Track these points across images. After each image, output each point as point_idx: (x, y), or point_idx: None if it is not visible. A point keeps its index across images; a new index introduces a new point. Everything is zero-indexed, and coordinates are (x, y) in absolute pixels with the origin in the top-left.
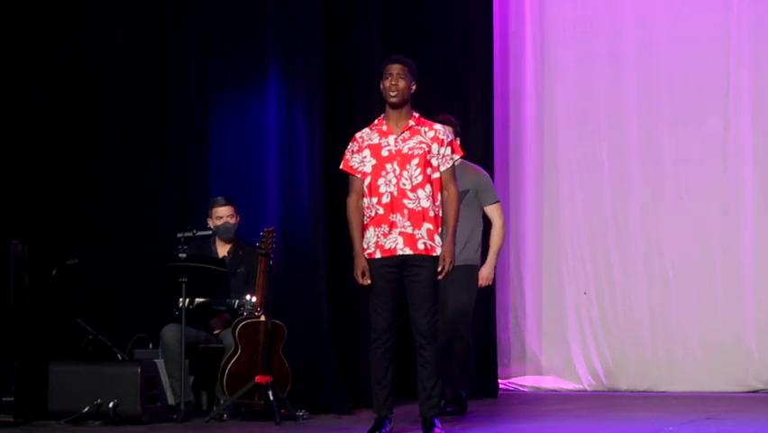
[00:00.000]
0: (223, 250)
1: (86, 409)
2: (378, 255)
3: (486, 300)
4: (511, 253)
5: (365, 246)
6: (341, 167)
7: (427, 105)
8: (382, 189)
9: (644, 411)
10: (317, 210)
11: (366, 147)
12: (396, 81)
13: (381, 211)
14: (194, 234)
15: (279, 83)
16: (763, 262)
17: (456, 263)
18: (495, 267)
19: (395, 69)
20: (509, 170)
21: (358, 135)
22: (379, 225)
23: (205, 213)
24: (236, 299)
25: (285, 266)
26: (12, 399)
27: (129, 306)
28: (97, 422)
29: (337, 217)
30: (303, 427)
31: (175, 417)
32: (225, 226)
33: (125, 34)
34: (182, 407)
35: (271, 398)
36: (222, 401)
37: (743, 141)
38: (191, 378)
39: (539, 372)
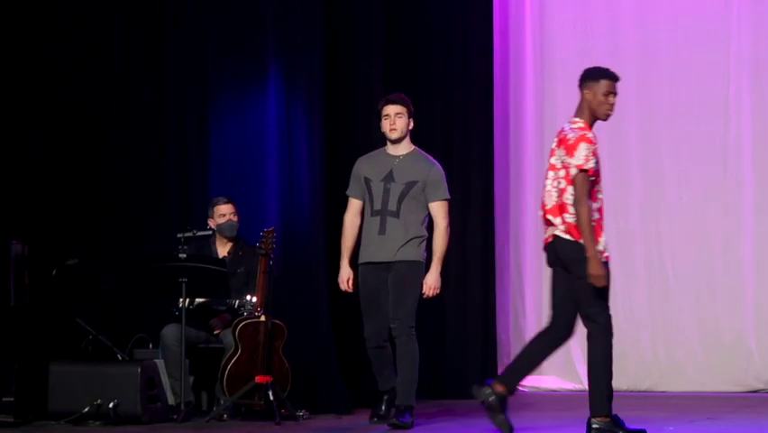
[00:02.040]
0: (223, 250)
1: (86, 410)
2: None
3: (486, 300)
4: (511, 253)
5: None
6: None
7: (428, 104)
8: None
9: (644, 411)
10: (317, 210)
11: None
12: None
13: None
14: (194, 234)
15: (279, 83)
16: (763, 262)
17: (398, 258)
18: (441, 274)
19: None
20: (509, 170)
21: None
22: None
23: (205, 213)
24: (236, 299)
25: (285, 266)
26: (12, 399)
27: (129, 306)
28: (97, 422)
29: (337, 217)
30: (303, 427)
31: (175, 417)
32: (230, 223)
33: (125, 34)
34: (182, 407)
35: (271, 398)
36: (222, 401)
37: (743, 141)
38: (191, 378)
39: (539, 371)
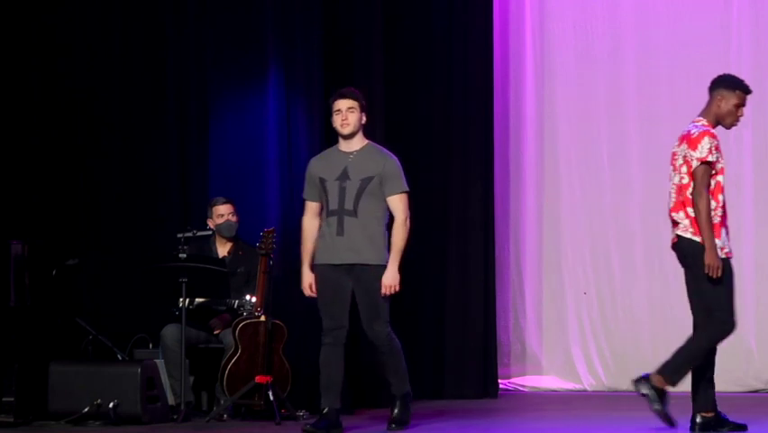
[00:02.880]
0: (223, 250)
1: (86, 410)
2: None
3: (486, 300)
4: (511, 253)
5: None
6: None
7: (427, 105)
8: None
9: (644, 411)
10: None
11: None
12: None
13: None
14: (194, 234)
15: (279, 83)
16: (763, 262)
17: (362, 262)
18: (400, 271)
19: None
20: (509, 170)
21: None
22: None
23: (205, 213)
24: (236, 299)
25: (285, 266)
26: (12, 399)
27: (129, 306)
28: (97, 422)
29: None
30: (303, 426)
31: (175, 417)
32: (228, 223)
33: (125, 34)
34: (182, 407)
35: (271, 398)
36: (222, 401)
37: (743, 141)
38: (191, 378)
39: (539, 372)
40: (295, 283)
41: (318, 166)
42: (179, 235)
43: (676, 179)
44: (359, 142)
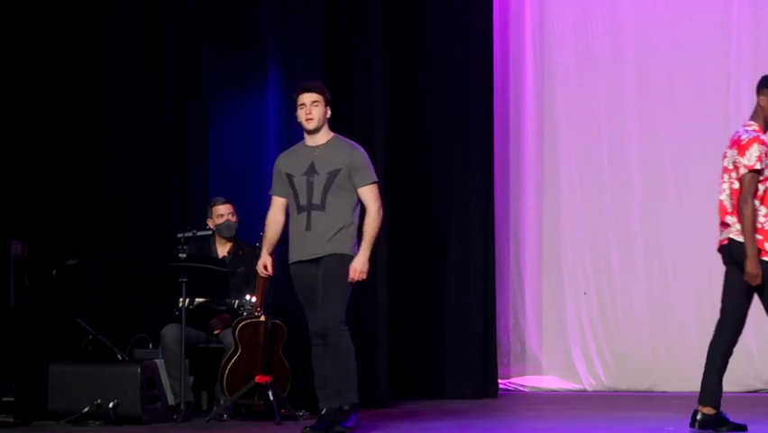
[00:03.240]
0: (223, 250)
1: (86, 410)
2: None
3: (486, 300)
4: (511, 253)
5: None
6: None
7: (427, 104)
8: None
9: (644, 411)
10: None
11: None
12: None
13: None
14: (194, 234)
15: (279, 83)
16: None
17: (327, 252)
18: (370, 259)
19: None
20: (509, 170)
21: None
22: None
23: (205, 213)
24: (236, 299)
25: (285, 266)
26: (12, 399)
27: (129, 306)
28: (97, 422)
29: None
30: (303, 427)
31: (175, 417)
32: (228, 223)
33: (125, 34)
34: (182, 407)
35: (271, 398)
36: (222, 401)
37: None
38: (191, 378)
39: (539, 372)
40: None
41: (285, 162)
42: (179, 235)
43: (728, 184)
44: (324, 136)
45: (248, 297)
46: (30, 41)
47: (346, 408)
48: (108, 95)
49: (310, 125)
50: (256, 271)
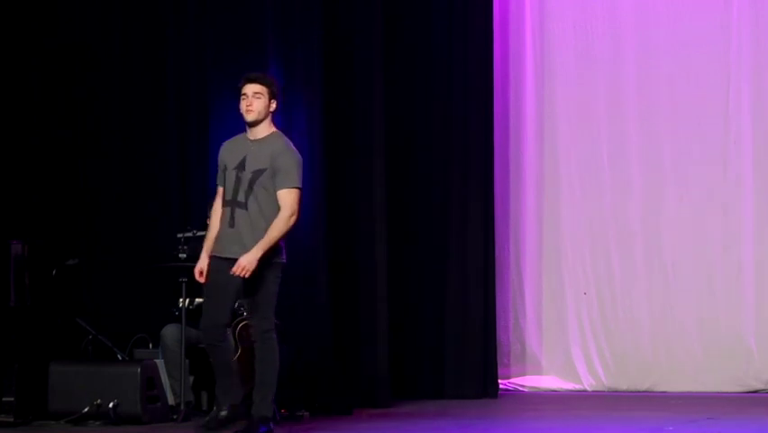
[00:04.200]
0: None
1: (86, 410)
2: None
3: (486, 300)
4: (511, 253)
5: None
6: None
7: (427, 105)
8: None
9: (644, 411)
10: (317, 210)
11: None
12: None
13: None
14: (194, 234)
15: (279, 83)
16: (763, 262)
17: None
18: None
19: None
20: (509, 170)
21: None
22: None
23: (205, 213)
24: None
25: (285, 266)
26: (12, 399)
27: (129, 306)
28: (97, 422)
29: (337, 217)
30: (303, 426)
31: (175, 417)
32: None
33: (125, 34)
34: (182, 407)
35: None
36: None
37: (743, 141)
38: (191, 378)
39: (539, 372)
40: (295, 283)
41: (225, 152)
42: (179, 235)
43: None
44: (264, 131)
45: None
46: (30, 41)
47: (257, 417)
48: (108, 95)
49: (249, 117)
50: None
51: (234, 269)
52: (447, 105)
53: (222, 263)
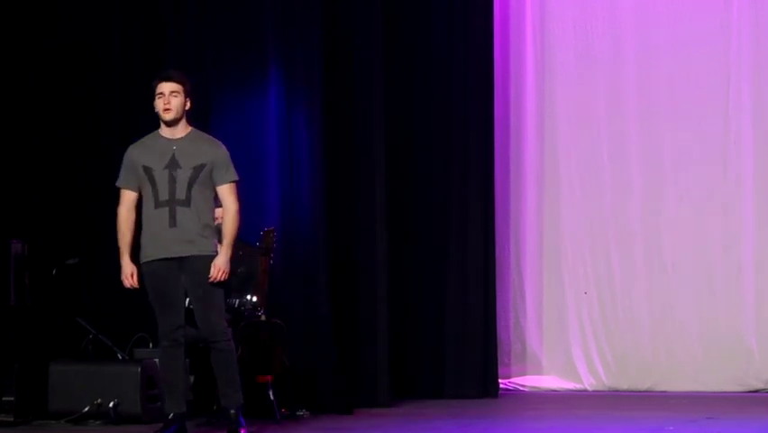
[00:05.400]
0: None
1: (86, 409)
2: None
3: (486, 300)
4: (511, 252)
5: None
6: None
7: (428, 104)
8: None
9: (644, 411)
10: (317, 210)
11: None
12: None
13: None
14: None
15: (279, 83)
16: (763, 262)
17: (193, 253)
18: (232, 258)
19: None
20: (509, 170)
21: None
22: None
23: None
24: (236, 299)
25: (285, 266)
26: (12, 399)
27: (129, 306)
28: (98, 422)
29: (337, 217)
30: (303, 426)
31: None
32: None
33: (125, 34)
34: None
35: (271, 398)
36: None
37: (743, 141)
38: (191, 378)
39: (539, 371)
40: (295, 283)
41: (141, 153)
42: None
43: None
44: (183, 129)
45: (248, 297)
46: (30, 41)
47: (233, 411)
48: (108, 95)
49: (168, 116)
50: (256, 271)
51: (214, 274)
52: (447, 105)
53: (164, 267)
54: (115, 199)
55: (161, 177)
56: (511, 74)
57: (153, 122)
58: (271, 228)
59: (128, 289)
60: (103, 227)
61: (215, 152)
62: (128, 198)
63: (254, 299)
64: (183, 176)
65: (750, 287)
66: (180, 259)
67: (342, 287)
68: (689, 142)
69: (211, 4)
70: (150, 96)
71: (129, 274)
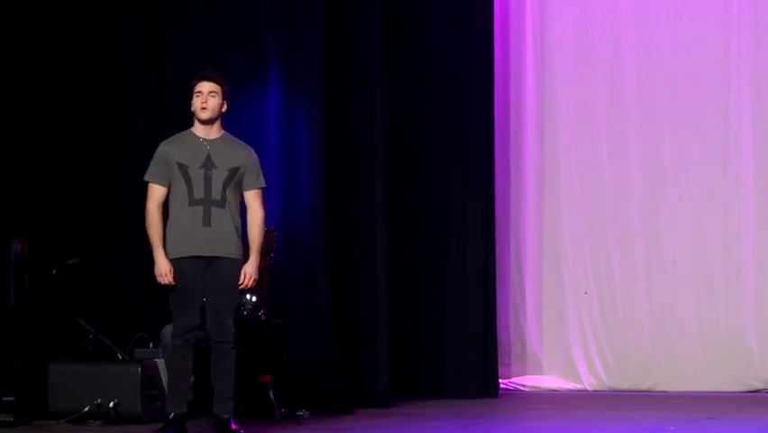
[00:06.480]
0: None
1: (86, 409)
2: None
3: (486, 300)
4: (511, 252)
5: None
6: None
7: (428, 104)
8: None
9: (644, 411)
10: (317, 210)
11: None
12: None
13: None
14: None
15: (279, 84)
16: (763, 262)
17: (224, 255)
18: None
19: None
20: (509, 170)
21: None
22: None
23: None
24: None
25: (285, 266)
26: (12, 399)
27: (129, 306)
28: (98, 422)
29: (337, 217)
30: (303, 426)
31: None
32: None
33: (125, 34)
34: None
35: (272, 397)
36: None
37: (743, 141)
38: (191, 378)
39: (539, 371)
40: (295, 283)
41: (175, 150)
42: None
43: None
44: (217, 130)
45: (248, 297)
46: (30, 41)
47: (225, 416)
48: (108, 95)
49: (204, 115)
50: (256, 271)
51: (244, 281)
52: (447, 105)
53: (192, 265)
54: (115, 199)
55: (197, 175)
56: (511, 74)
57: (153, 122)
58: (271, 229)
59: (161, 284)
60: (103, 227)
61: (248, 156)
62: (158, 192)
63: (254, 299)
64: (218, 176)
65: (750, 287)
66: (210, 258)
67: (342, 287)
68: (689, 142)
69: (211, 4)
70: (188, 94)
71: (167, 271)
